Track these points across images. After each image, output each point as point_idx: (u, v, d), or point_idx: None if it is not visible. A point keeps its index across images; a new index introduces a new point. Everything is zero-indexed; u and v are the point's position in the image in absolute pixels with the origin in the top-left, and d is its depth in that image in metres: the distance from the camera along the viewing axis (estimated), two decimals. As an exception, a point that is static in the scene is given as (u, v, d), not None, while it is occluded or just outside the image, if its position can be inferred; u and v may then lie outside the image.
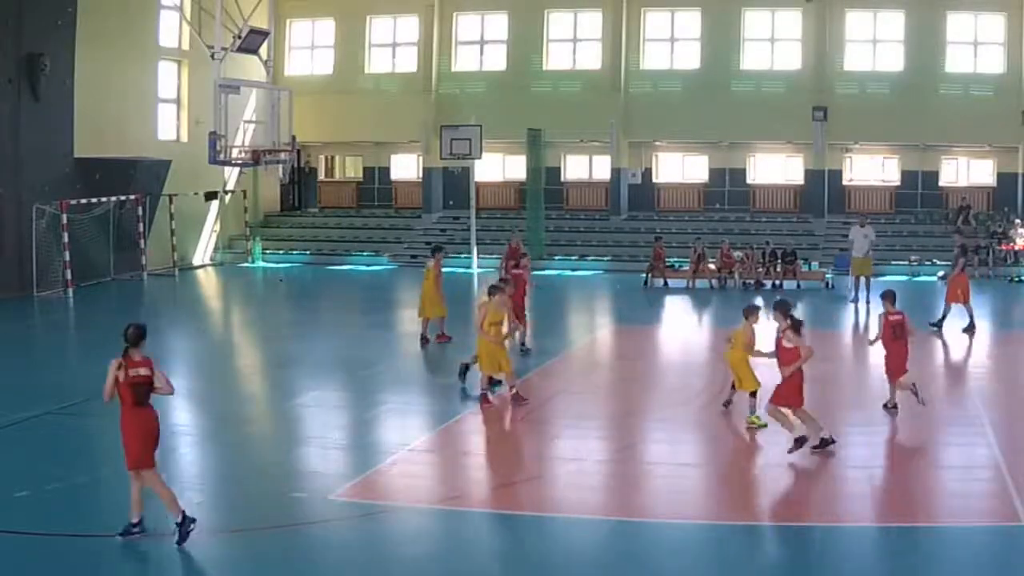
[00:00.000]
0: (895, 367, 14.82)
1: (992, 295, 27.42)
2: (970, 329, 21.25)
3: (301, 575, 9.71)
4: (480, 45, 37.02)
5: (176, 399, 17.00)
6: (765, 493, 11.94)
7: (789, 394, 12.78)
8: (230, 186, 35.86)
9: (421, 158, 37.47)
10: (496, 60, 36.70)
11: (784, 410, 12.81)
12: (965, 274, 21.88)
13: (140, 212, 30.56)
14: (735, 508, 11.45)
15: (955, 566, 9.70)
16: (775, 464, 12.95)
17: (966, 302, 21.41)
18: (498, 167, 37.70)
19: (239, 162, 31.23)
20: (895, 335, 14.80)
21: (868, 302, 24.90)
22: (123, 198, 29.81)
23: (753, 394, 14.23)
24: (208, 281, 32.58)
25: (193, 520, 10.05)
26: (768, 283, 28.64)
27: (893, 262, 29.91)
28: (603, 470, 12.89)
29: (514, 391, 15.42)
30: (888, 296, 15.23)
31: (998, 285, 28.84)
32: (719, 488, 12.26)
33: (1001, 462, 12.42)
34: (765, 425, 13.79)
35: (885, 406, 14.95)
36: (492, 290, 15.78)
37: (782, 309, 13.40)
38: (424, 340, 19.92)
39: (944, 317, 21.66)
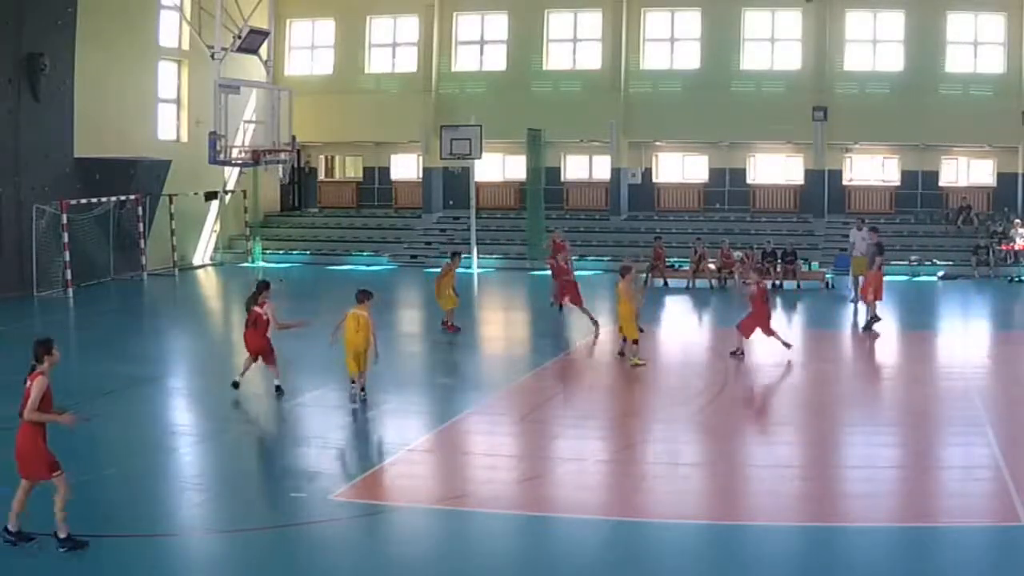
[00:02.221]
0: (754, 324, 18.63)
1: (992, 295, 27.44)
2: (868, 328, 21.51)
3: (301, 575, 9.72)
4: (480, 45, 37.00)
5: (176, 399, 17.15)
6: (765, 493, 11.93)
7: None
8: (230, 186, 35.85)
9: (421, 158, 37.46)
10: (496, 60, 36.68)
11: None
12: (881, 272, 21.96)
13: (140, 212, 30.57)
14: (735, 508, 11.46)
15: (955, 566, 9.70)
16: (775, 464, 12.97)
17: (876, 300, 21.64)
18: (498, 167, 37.70)
19: (239, 162, 31.19)
20: (764, 299, 18.84)
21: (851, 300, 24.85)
22: (123, 198, 29.81)
23: (635, 341, 18.26)
24: (208, 281, 32.58)
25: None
26: (768, 283, 28.58)
27: (893, 262, 29.76)
28: (603, 470, 12.90)
29: (363, 393, 15.67)
30: (760, 268, 21.74)
31: (998, 285, 28.83)
32: (719, 488, 12.25)
33: (1001, 462, 12.43)
34: (644, 364, 18.01)
35: (732, 353, 18.63)
36: (361, 295, 15.61)
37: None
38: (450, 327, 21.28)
39: (869, 317, 21.82)
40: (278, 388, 16.26)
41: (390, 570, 9.88)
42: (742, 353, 18.67)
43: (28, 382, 10.00)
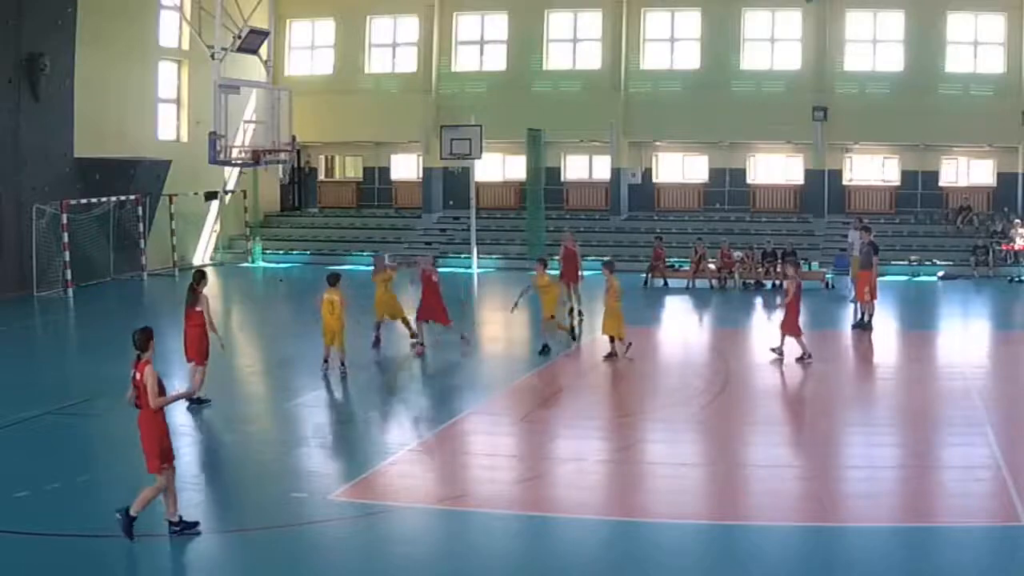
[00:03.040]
0: (795, 322, 18.50)
1: (992, 295, 27.44)
2: (865, 326, 21.58)
3: (301, 575, 9.72)
4: (480, 45, 37.00)
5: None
6: (764, 493, 11.94)
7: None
8: (230, 186, 35.85)
9: (421, 158, 37.46)
10: (496, 60, 36.68)
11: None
12: (874, 271, 22.03)
13: (140, 212, 30.57)
14: (735, 508, 11.46)
15: (955, 566, 9.70)
16: (775, 464, 12.97)
17: (873, 299, 21.73)
18: (498, 167, 37.69)
19: (239, 162, 31.19)
20: (798, 297, 18.66)
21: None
22: (123, 198, 29.81)
23: (621, 339, 18.67)
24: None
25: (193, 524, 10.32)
26: (768, 283, 28.63)
27: (893, 262, 29.89)
28: (603, 470, 12.90)
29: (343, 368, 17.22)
30: (795, 263, 20.56)
31: (998, 285, 28.82)
32: (719, 488, 12.26)
33: (1001, 462, 12.43)
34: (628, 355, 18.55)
35: (800, 359, 18.26)
36: (332, 279, 17.29)
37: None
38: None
39: (863, 316, 21.86)
40: (198, 399, 15.51)
41: (390, 570, 9.88)
42: (810, 356, 18.35)
43: (136, 373, 10.31)
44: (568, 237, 24.15)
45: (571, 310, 22.76)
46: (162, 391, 10.25)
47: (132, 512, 10.02)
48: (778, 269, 28.66)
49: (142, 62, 31.73)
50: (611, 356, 18.79)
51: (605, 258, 23.16)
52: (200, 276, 16.30)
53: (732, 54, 34.59)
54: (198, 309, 15.83)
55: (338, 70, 37.63)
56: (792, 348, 18.53)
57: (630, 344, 18.87)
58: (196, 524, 10.37)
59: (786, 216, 35.07)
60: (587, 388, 17.75)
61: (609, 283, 18.83)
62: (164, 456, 10.21)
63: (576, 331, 21.12)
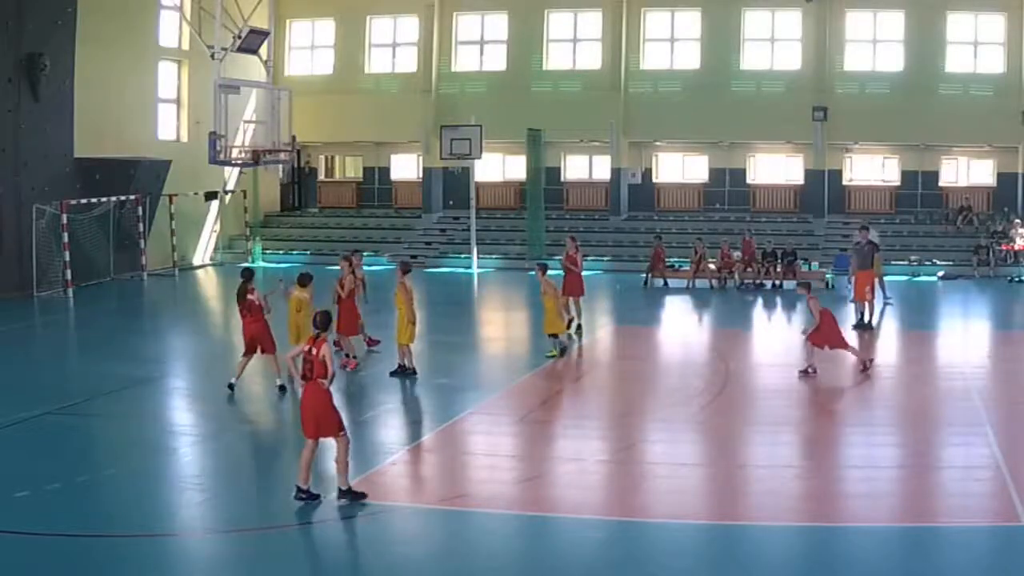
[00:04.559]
0: (836, 333, 17.57)
1: (992, 295, 27.44)
2: (865, 326, 21.52)
3: (301, 575, 9.72)
4: (480, 45, 37.00)
5: (176, 399, 17.16)
6: (764, 493, 11.93)
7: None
8: (230, 186, 35.84)
9: (421, 158, 37.46)
10: (496, 60, 36.68)
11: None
12: (874, 271, 21.99)
13: (140, 212, 30.55)
14: (735, 508, 11.46)
15: (955, 566, 9.70)
16: (775, 464, 12.97)
17: (873, 299, 21.76)
18: (498, 167, 37.70)
19: (239, 162, 31.19)
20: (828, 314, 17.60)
21: (885, 301, 24.71)
22: (123, 198, 29.80)
23: (555, 335, 18.80)
24: (208, 281, 32.58)
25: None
26: (768, 283, 28.62)
27: (893, 262, 29.86)
28: (603, 470, 12.90)
29: None
30: (807, 285, 18.47)
31: (998, 285, 28.82)
32: (719, 488, 12.26)
33: (1001, 462, 12.44)
34: (555, 355, 18.50)
35: (806, 371, 17.25)
36: (303, 279, 17.87)
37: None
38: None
39: (863, 316, 21.85)
40: (281, 388, 16.38)
41: (390, 570, 9.88)
42: (871, 361, 17.83)
43: (314, 350, 11.19)
44: (569, 243, 22.95)
45: (570, 322, 22.50)
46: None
47: (343, 487, 11.11)
48: (778, 269, 28.70)
49: (142, 62, 31.72)
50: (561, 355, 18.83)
51: (541, 260, 23.07)
52: (249, 274, 17.05)
53: (732, 54, 34.60)
54: (256, 304, 16.49)
55: (338, 70, 37.63)
56: (851, 359, 17.93)
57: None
58: (364, 495, 11.24)
59: (786, 216, 35.07)
60: (587, 388, 17.75)
61: (544, 284, 18.90)
62: (341, 423, 11.32)
63: (569, 342, 20.44)
